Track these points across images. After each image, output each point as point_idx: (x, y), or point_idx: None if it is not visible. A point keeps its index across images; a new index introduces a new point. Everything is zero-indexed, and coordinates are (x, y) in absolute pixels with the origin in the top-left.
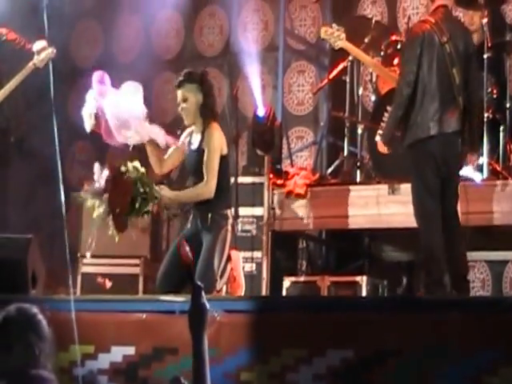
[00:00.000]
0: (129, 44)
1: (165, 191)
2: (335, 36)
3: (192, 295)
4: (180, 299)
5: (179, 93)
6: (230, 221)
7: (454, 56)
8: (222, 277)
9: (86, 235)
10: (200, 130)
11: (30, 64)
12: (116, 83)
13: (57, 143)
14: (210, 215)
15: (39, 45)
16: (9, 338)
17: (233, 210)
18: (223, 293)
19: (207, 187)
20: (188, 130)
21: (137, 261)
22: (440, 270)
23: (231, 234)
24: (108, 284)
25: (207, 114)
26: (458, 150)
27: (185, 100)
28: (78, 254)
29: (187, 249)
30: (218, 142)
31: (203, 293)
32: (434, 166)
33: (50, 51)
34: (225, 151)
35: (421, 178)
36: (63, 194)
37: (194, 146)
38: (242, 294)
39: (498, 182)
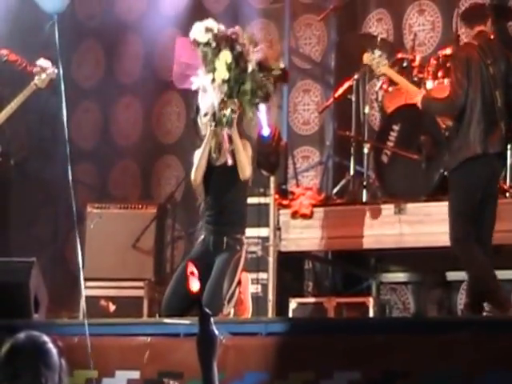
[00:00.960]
0: (131, 64)
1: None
2: (377, 62)
3: (200, 322)
4: (185, 322)
5: None
6: (245, 246)
7: (497, 78)
8: (230, 301)
9: (89, 258)
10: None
11: (32, 84)
12: (118, 104)
13: (69, 164)
14: (225, 239)
15: (41, 65)
16: (16, 367)
17: None
18: (230, 315)
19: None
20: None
21: (141, 283)
22: (492, 290)
23: (244, 260)
24: (111, 307)
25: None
26: (500, 171)
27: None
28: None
29: (195, 276)
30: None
31: (212, 320)
32: (479, 187)
33: (52, 71)
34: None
35: (462, 201)
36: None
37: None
38: (249, 316)
39: (507, 201)
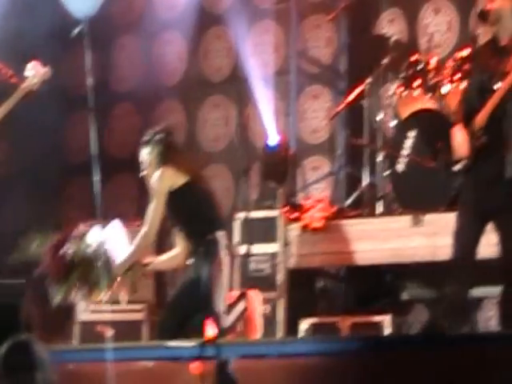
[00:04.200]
0: (127, 70)
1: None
2: None
3: (218, 370)
4: (188, 345)
5: (140, 156)
6: (223, 243)
7: None
8: (229, 312)
9: None
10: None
11: (23, 87)
12: (115, 112)
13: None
14: (201, 249)
15: (32, 67)
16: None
17: (245, 246)
18: (236, 335)
19: (144, 233)
20: None
21: (140, 306)
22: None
23: (228, 257)
24: (109, 332)
25: (163, 161)
26: None
27: (143, 162)
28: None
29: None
30: (160, 186)
31: (229, 365)
32: None
33: (44, 72)
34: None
35: None
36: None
37: None
38: (258, 337)
39: None
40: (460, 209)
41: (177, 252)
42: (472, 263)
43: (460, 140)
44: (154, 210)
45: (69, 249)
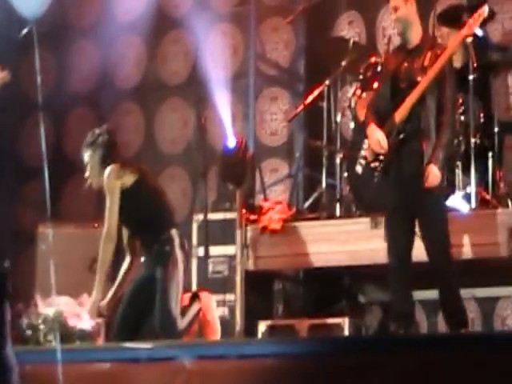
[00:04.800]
0: (85, 73)
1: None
2: None
3: None
4: (146, 346)
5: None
6: (177, 241)
7: None
8: (183, 314)
9: (41, 281)
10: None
11: None
12: (72, 116)
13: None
14: (155, 247)
15: None
16: None
17: (203, 248)
18: (193, 336)
19: (105, 237)
20: None
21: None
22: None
23: (182, 255)
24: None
25: (106, 161)
26: None
27: (87, 164)
28: (32, 302)
29: None
30: (110, 183)
31: None
32: None
33: (3, 75)
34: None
35: None
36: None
37: None
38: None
39: (488, 212)
40: (387, 211)
41: (127, 264)
42: (408, 266)
43: (377, 137)
44: (111, 207)
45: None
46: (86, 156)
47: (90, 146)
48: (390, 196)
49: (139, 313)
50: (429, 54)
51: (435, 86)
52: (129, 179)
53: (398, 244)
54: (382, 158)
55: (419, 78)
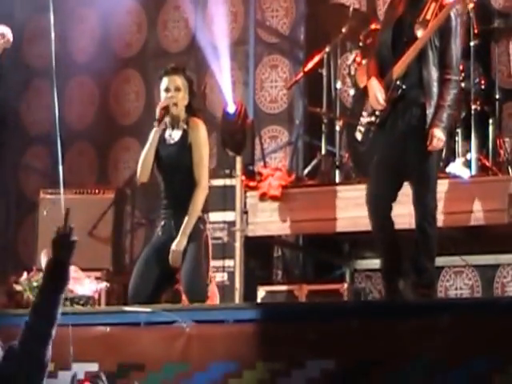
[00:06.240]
0: (85, 41)
1: (179, 245)
2: None
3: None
4: (146, 310)
5: (173, 80)
6: (208, 225)
7: None
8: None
9: (42, 247)
10: (181, 124)
11: None
12: (73, 84)
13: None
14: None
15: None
16: None
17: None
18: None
19: (204, 190)
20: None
21: (98, 274)
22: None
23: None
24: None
25: (191, 109)
26: None
27: (178, 89)
28: (34, 268)
29: None
30: (206, 138)
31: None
32: None
33: (5, 41)
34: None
35: None
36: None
37: (175, 139)
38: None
39: (488, 179)
40: (374, 167)
41: None
42: (391, 228)
43: (375, 93)
44: (205, 159)
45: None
46: (178, 80)
47: (181, 73)
48: (381, 151)
49: (158, 277)
50: (432, 6)
51: (438, 41)
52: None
53: (381, 201)
54: (378, 113)
55: (420, 33)
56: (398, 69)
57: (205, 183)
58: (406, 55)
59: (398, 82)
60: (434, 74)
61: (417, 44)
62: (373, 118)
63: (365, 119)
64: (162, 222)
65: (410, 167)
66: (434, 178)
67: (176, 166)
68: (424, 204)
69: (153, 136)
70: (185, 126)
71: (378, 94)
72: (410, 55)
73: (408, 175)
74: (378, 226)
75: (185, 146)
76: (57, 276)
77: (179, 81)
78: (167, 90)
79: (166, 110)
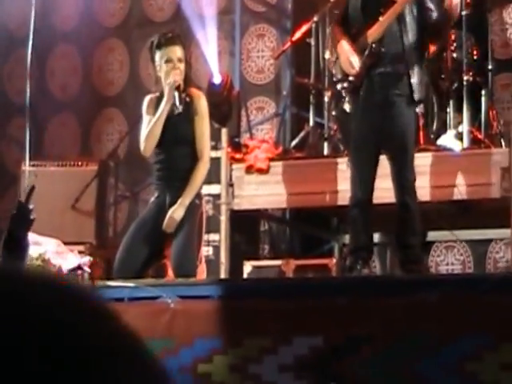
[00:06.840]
0: (69, 10)
1: (177, 212)
2: None
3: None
4: (129, 285)
5: (174, 50)
6: (203, 199)
7: None
8: (200, 260)
9: None
10: (183, 96)
11: None
12: (56, 53)
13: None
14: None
15: None
16: None
17: None
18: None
19: (207, 163)
20: (151, 96)
21: (81, 247)
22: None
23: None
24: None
25: (189, 80)
26: None
27: (180, 60)
28: None
29: None
30: (207, 110)
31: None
32: None
33: None
34: None
35: None
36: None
37: (177, 111)
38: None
39: (480, 152)
40: (353, 148)
41: None
42: (369, 201)
43: (348, 56)
44: (206, 131)
45: None
46: (179, 50)
47: (180, 42)
48: (357, 123)
49: (146, 253)
50: None
51: (417, 3)
52: None
53: (361, 178)
54: (351, 78)
55: None
56: (374, 32)
57: (207, 156)
58: (383, 19)
59: (374, 45)
60: (412, 39)
61: (395, 7)
62: (345, 84)
63: (338, 85)
64: (156, 194)
65: (387, 140)
66: (412, 151)
67: (178, 138)
68: (404, 178)
69: (161, 111)
70: (187, 99)
71: (351, 57)
72: (387, 20)
73: (385, 148)
74: (358, 205)
75: (187, 118)
76: (12, 252)
77: (180, 51)
78: (169, 61)
79: (178, 87)
